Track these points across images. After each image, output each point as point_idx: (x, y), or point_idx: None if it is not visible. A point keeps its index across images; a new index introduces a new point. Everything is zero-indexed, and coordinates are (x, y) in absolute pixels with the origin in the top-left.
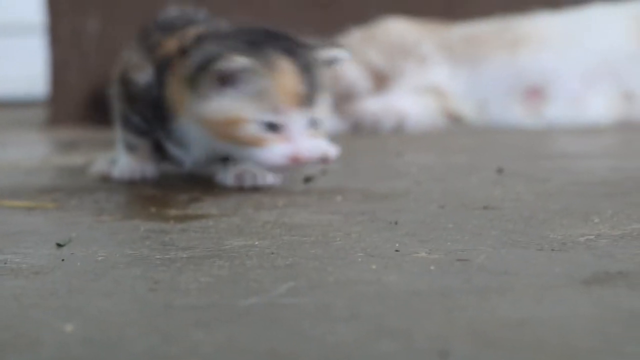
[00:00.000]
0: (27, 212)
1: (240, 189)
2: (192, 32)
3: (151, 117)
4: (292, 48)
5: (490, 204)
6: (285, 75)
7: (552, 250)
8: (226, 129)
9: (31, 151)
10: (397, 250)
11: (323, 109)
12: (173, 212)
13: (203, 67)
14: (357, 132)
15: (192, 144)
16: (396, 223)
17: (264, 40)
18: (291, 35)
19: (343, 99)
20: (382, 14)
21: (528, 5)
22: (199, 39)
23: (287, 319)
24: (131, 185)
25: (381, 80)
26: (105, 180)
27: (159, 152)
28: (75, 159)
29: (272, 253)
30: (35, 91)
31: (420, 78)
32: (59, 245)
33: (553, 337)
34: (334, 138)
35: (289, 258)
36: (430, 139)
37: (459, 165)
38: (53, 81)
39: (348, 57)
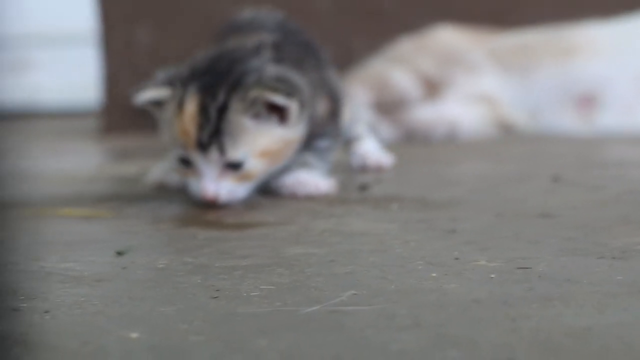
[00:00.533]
0: (85, 220)
1: (294, 197)
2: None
3: None
4: (213, 86)
5: (547, 212)
6: (185, 114)
7: (613, 258)
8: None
9: (86, 160)
10: (456, 259)
11: (242, 152)
12: (230, 220)
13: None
14: (409, 141)
15: None
16: (454, 231)
17: (203, 73)
18: (236, 69)
19: (394, 107)
20: (432, 23)
21: (577, 14)
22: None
23: (350, 326)
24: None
25: (432, 89)
26: (161, 189)
27: None
28: (129, 168)
29: (331, 261)
30: (89, 100)
31: (471, 86)
32: (119, 254)
33: (617, 344)
34: (385, 147)
35: (348, 266)
36: (482, 148)
37: (513, 173)
38: (105, 90)
39: (286, 105)
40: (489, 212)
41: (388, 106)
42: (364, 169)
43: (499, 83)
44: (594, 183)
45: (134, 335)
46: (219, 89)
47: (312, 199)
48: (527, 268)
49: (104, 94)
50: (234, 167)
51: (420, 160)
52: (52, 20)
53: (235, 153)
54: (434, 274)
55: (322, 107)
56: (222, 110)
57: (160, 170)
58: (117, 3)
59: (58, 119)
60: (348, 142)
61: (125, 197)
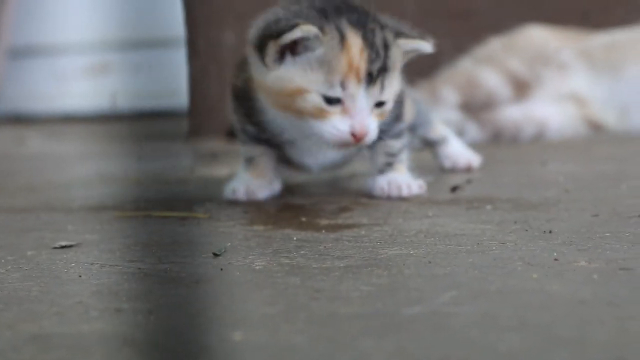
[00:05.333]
0: (179, 222)
1: (386, 199)
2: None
3: (253, 117)
4: (364, 23)
5: None
6: (352, 48)
7: None
8: (287, 100)
9: (176, 162)
10: (556, 259)
11: (390, 92)
12: (324, 221)
13: (267, 35)
14: (497, 141)
15: (291, 138)
16: (550, 232)
17: (337, 11)
18: (368, 12)
19: (482, 107)
20: (520, 24)
21: None
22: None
23: (454, 327)
24: (279, 195)
25: (521, 89)
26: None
27: (285, 161)
28: (220, 170)
29: (429, 262)
30: (178, 103)
31: (560, 86)
32: (215, 255)
33: None
34: (473, 147)
35: (446, 267)
36: (572, 147)
37: (607, 173)
38: (193, 93)
39: (429, 50)
40: (586, 212)
41: (476, 106)
42: (454, 169)
43: (588, 82)
44: None
45: (238, 335)
46: (371, 27)
47: (404, 200)
48: (629, 269)
49: (191, 97)
50: (378, 105)
51: (509, 160)
52: (137, 24)
53: (389, 91)
54: (534, 275)
55: None
56: (386, 47)
57: (243, 183)
58: (203, 7)
59: (148, 121)
60: (432, 145)
61: (217, 198)
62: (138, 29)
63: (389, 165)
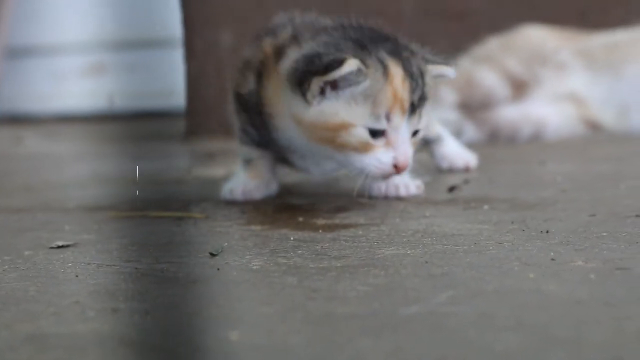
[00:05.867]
0: (176, 222)
1: (383, 199)
2: (286, 31)
3: (259, 127)
4: (399, 52)
5: None
6: (395, 79)
7: None
8: (330, 134)
9: (172, 163)
10: (552, 259)
11: (425, 120)
12: (321, 221)
13: (311, 71)
14: (494, 141)
15: (298, 152)
16: (547, 232)
17: (372, 41)
18: (395, 37)
19: (480, 107)
20: (518, 24)
21: None
22: (295, 38)
23: (452, 327)
24: (276, 195)
25: (519, 88)
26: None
27: (284, 161)
28: (215, 170)
29: (426, 262)
30: (175, 103)
31: (558, 85)
32: (212, 255)
33: None
34: (471, 146)
35: (444, 267)
36: (570, 147)
37: (605, 173)
38: (189, 93)
39: (454, 75)
40: (583, 213)
41: (474, 106)
42: (451, 169)
43: (586, 82)
44: None
45: (234, 335)
46: (406, 55)
47: (401, 200)
48: (626, 269)
49: (187, 97)
50: (413, 134)
51: (507, 160)
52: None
53: (425, 119)
54: (531, 275)
55: None
56: (422, 75)
57: (241, 183)
58: (200, 7)
59: (142, 122)
60: (428, 144)
61: (214, 198)
62: (135, 29)
63: None
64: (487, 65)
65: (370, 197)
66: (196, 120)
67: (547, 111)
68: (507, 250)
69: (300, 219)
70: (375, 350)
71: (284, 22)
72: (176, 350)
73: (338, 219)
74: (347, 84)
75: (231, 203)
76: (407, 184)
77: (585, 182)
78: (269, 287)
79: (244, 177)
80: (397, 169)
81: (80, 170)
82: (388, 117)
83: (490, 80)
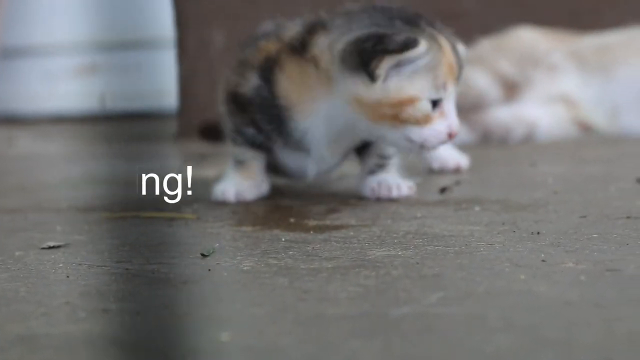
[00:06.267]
0: (167, 223)
1: (375, 200)
2: (294, 29)
3: (267, 122)
4: (436, 27)
5: (634, 214)
6: (447, 50)
7: None
8: (394, 110)
9: (164, 163)
10: (543, 261)
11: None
12: (312, 222)
13: (381, 49)
14: (486, 142)
15: (313, 143)
16: (538, 233)
17: (415, 18)
18: (422, 15)
19: (471, 108)
20: (510, 25)
21: None
22: (319, 26)
23: (442, 328)
24: (267, 196)
25: (511, 90)
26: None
27: (273, 169)
28: (208, 171)
29: (417, 263)
30: (168, 104)
31: (550, 87)
32: (204, 256)
33: None
34: (462, 147)
35: (434, 268)
36: (562, 149)
37: (596, 175)
38: (182, 93)
39: (465, 53)
40: (574, 214)
41: (466, 107)
42: (442, 170)
43: (578, 84)
44: None
45: (225, 336)
46: (439, 29)
47: (393, 201)
48: (616, 270)
49: (180, 97)
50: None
51: (498, 161)
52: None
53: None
54: (522, 276)
55: None
56: (454, 48)
57: (233, 184)
58: (192, 7)
59: (137, 121)
60: None
61: (206, 199)
62: (127, 29)
63: (380, 167)
64: (479, 67)
65: (362, 198)
66: (188, 120)
67: (538, 112)
68: (498, 252)
69: (292, 220)
70: (365, 351)
71: (272, 28)
72: (167, 351)
73: (329, 220)
74: (409, 60)
75: (222, 204)
76: (399, 185)
77: (576, 183)
78: (260, 288)
79: (235, 178)
80: (450, 136)
81: (72, 171)
82: (445, 88)
83: (482, 81)
